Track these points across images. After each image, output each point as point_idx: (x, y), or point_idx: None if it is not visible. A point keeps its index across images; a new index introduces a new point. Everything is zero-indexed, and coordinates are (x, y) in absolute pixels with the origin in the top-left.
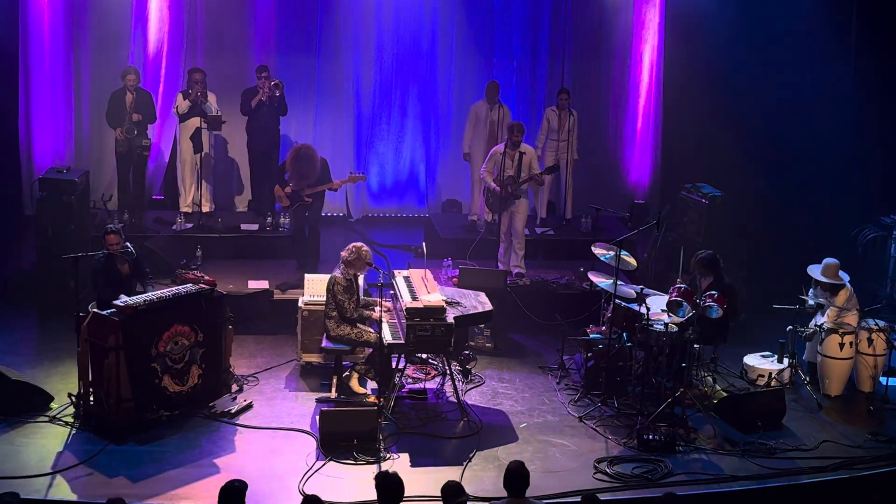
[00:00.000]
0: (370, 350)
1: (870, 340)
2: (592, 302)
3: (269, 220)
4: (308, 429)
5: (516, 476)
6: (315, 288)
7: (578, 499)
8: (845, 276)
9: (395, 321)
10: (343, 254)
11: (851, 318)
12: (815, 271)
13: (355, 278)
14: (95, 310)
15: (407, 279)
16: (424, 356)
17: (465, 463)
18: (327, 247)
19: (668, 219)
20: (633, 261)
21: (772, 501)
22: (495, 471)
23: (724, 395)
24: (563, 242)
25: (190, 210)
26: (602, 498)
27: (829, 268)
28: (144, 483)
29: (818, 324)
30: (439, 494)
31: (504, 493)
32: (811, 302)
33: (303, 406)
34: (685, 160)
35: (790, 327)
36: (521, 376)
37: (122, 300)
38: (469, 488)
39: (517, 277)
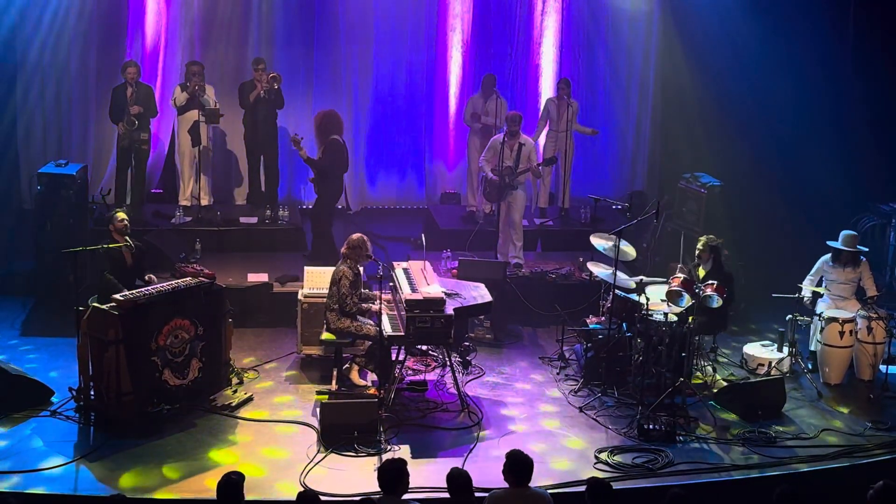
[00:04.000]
0: (370, 342)
1: (869, 329)
2: (592, 292)
3: (269, 212)
4: (308, 421)
5: (519, 464)
6: (315, 281)
7: (578, 489)
8: (863, 249)
9: (395, 313)
10: (343, 250)
11: (852, 306)
12: (836, 243)
13: (359, 272)
14: (95, 304)
15: (406, 271)
16: (424, 348)
17: (465, 454)
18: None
19: (667, 209)
20: (631, 251)
21: (772, 490)
22: (496, 462)
23: (725, 384)
24: (562, 233)
25: (189, 203)
26: None
27: (849, 237)
28: (145, 476)
29: (818, 312)
30: (441, 486)
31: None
32: (806, 294)
33: (303, 398)
34: (684, 149)
35: (790, 316)
36: (521, 367)
37: (122, 294)
38: None
39: (515, 268)
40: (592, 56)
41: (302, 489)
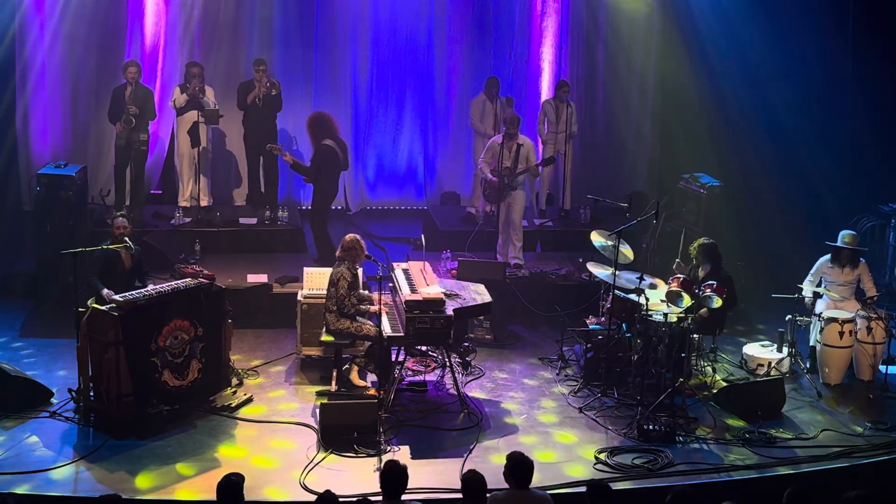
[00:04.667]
0: (370, 343)
1: (869, 329)
2: (591, 293)
3: (268, 213)
4: (308, 422)
5: (520, 467)
6: (314, 281)
7: (578, 490)
8: (862, 248)
9: (395, 314)
10: (338, 252)
11: (851, 306)
12: (836, 242)
13: (357, 273)
14: (95, 305)
15: (406, 272)
16: (424, 348)
17: (465, 455)
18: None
19: (666, 209)
20: (629, 253)
21: (772, 490)
22: (496, 462)
23: (724, 384)
24: (562, 233)
25: (188, 204)
26: None
27: (848, 236)
28: (145, 477)
29: (818, 312)
30: (441, 487)
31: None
32: (807, 294)
33: (303, 399)
34: (683, 150)
35: (789, 316)
36: (521, 368)
37: (121, 295)
38: None
39: (515, 269)
40: (592, 56)
41: (302, 489)
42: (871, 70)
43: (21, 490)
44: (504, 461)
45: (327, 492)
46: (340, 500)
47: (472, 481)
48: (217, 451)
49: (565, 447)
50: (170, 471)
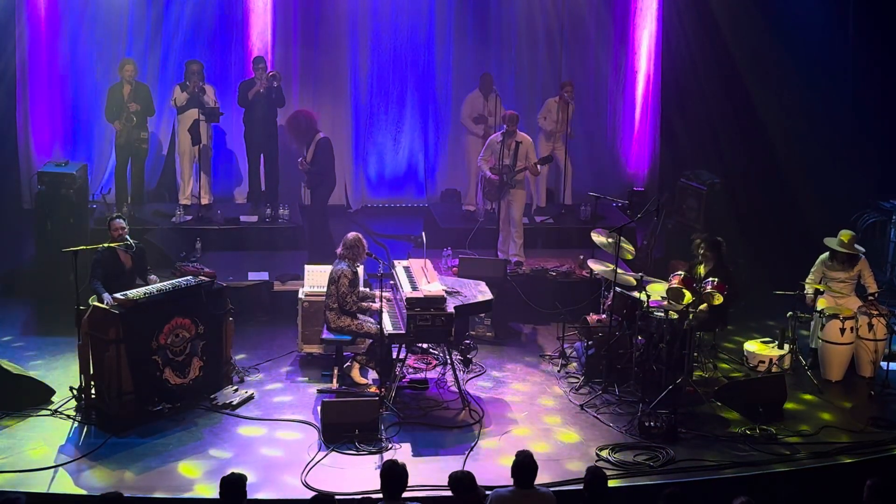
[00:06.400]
0: (371, 340)
1: (870, 325)
2: (592, 290)
3: (269, 211)
4: (310, 419)
5: (524, 468)
6: (315, 279)
7: (579, 487)
8: (860, 249)
9: (396, 311)
10: (339, 251)
11: (852, 303)
12: (832, 242)
13: (357, 271)
14: (96, 303)
15: (407, 269)
16: (425, 346)
17: (466, 452)
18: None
19: (667, 206)
20: (630, 247)
21: (773, 487)
22: (497, 460)
23: (725, 381)
24: (563, 231)
25: (189, 202)
26: None
27: (846, 236)
28: (146, 475)
29: (819, 309)
30: (443, 484)
31: (508, 482)
32: (808, 291)
33: (304, 397)
34: (684, 147)
35: (790, 313)
36: (522, 365)
37: (122, 293)
38: None
39: (516, 266)
40: (592, 55)
41: (303, 486)
42: (872, 66)
43: (23, 488)
44: (505, 458)
45: (323, 492)
46: (342, 498)
47: (464, 480)
48: (218, 450)
49: (566, 444)
50: (171, 469)
